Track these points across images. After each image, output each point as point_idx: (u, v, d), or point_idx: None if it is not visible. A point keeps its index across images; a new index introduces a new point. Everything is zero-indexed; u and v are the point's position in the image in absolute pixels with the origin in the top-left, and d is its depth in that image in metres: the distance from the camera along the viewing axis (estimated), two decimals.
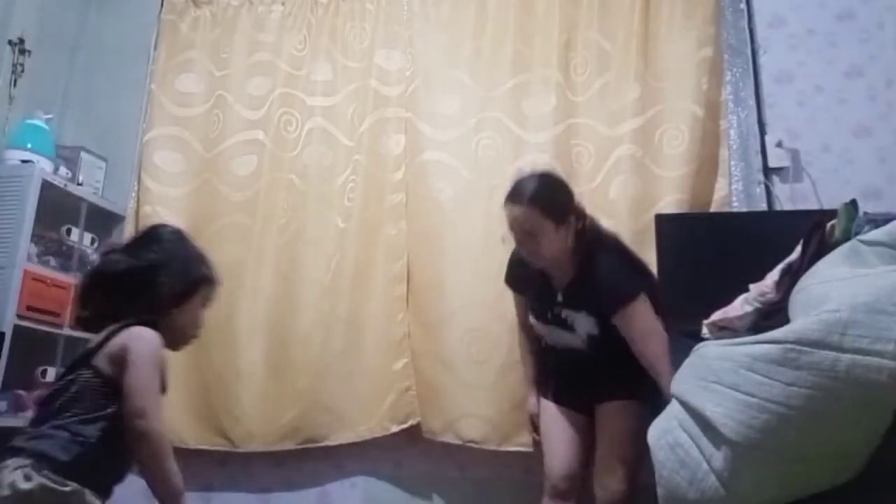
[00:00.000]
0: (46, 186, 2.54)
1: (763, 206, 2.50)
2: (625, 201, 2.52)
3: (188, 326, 1.55)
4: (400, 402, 2.54)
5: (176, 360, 2.60)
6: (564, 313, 2.08)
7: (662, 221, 2.35)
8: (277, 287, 2.68)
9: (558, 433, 2.15)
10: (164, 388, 1.47)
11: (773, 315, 1.35)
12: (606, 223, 2.50)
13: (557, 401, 2.19)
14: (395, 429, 2.52)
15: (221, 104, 2.89)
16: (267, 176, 2.79)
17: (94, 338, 1.50)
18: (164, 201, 2.81)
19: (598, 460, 2.07)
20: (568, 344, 2.10)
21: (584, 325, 2.06)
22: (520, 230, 1.98)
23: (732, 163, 2.54)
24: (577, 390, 2.16)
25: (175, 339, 1.53)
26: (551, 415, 2.19)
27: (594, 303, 2.01)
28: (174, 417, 2.57)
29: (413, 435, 2.52)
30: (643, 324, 1.95)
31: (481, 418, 2.43)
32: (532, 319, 2.18)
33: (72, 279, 2.64)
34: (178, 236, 1.65)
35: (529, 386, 2.31)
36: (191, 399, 2.61)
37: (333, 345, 2.59)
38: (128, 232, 2.81)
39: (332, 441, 2.56)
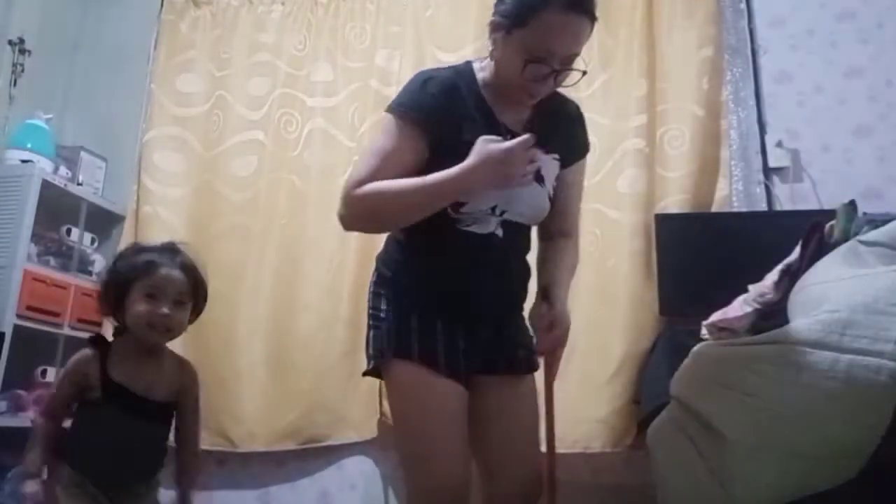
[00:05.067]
0: (46, 186, 2.55)
1: (763, 206, 2.50)
2: (630, 196, 2.54)
3: (135, 323, 1.61)
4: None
5: None
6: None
7: (662, 221, 2.35)
8: (278, 287, 2.68)
9: (452, 417, 1.44)
10: (94, 394, 1.61)
11: (772, 316, 1.35)
12: (613, 216, 2.52)
13: (449, 360, 1.45)
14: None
15: (221, 104, 2.89)
16: (267, 176, 2.79)
17: None
18: (164, 202, 2.81)
19: (511, 452, 1.51)
20: (526, 209, 1.52)
21: (551, 171, 1.55)
22: (573, 42, 1.40)
23: (733, 163, 2.55)
24: (484, 333, 1.52)
25: (139, 335, 1.64)
26: (434, 387, 1.44)
27: (565, 145, 1.58)
28: None
29: None
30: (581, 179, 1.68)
31: None
32: None
33: (72, 279, 2.65)
34: (128, 248, 1.85)
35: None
36: None
37: (335, 345, 2.59)
38: (127, 232, 2.81)
39: (334, 441, 2.56)
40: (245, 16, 3.00)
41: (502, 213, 1.49)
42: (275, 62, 2.91)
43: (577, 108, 1.65)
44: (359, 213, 1.51)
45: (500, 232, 1.50)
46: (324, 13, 2.95)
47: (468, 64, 1.57)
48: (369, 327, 1.55)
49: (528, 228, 1.60)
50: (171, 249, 1.71)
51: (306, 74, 2.88)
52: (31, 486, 1.54)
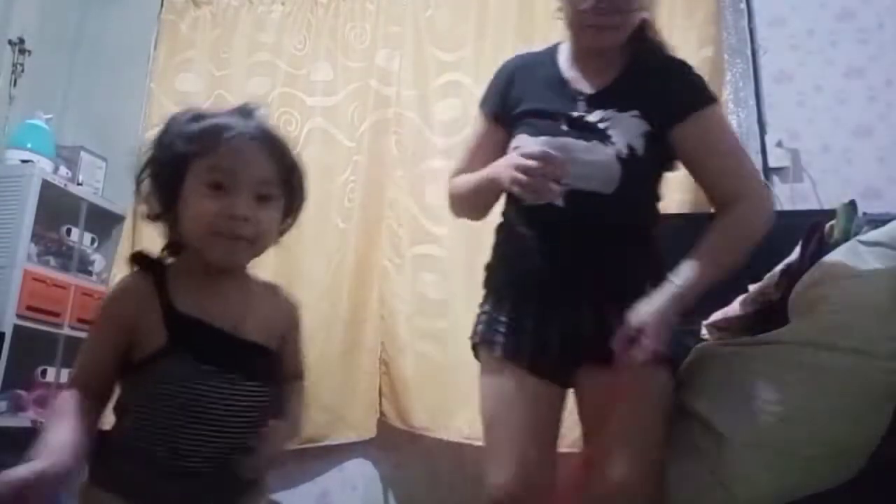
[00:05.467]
0: (46, 186, 2.55)
1: None
2: None
3: (195, 230, 1.03)
4: (399, 401, 2.54)
5: None
6: (598, 115, 1.40)
7: (662, 221, 2.34)
8: None
9: (517, 419, 1.38)
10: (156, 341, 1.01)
11: (772, 316, 1.35)
12: None
13: (533, 356, 1.37)
14: (398, 425, 2.52)
15: (221, 103, 2.89)
16: None
17: None
18: None
19: (609, 452, 1.33)
20: (587, 171, 1.35)
21: (627, 129, 1.38)
22: None
23: None
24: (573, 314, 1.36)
25: (204, 249, 1.05)
26: (504, 386, 1.40)
27: (655, 101, 1.40)
28: None
29: (413, 435, 2.52)
30: (730, 135, 1.47)
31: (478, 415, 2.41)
32: (525, 139, 1.41)
33: (72, 279, 2.65)
34: (182, 113, 1.10)
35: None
36: None
37: (334, 345, 2.58)
38: (127, 231, 2.81)
39: (332, 441, 2.55)
40: (245, 16, 3.00)
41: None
42: (274, 62, 2.91)
43: (682, 63, 1.51)
44: (450, 201, 1.59)
45: (560, 202, 1.34)
46: (324, 13, 2.95)
47: (556, 44, 1.57)
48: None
49: (618, 200, 1.36)
50: (245, 112, 1.09)
51: (306, 74, 2.88)
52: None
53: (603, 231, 1.37)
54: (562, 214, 1.36)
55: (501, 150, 1.45)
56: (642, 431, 1.33)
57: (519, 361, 1.38)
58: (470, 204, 1.55)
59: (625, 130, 1.39)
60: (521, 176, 1.28)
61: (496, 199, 1.49)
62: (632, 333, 1.26)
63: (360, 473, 2.59)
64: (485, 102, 1.56)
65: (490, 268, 1.52)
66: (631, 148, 1.37)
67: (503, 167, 1.35)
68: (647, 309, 1.28)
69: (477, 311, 1.51)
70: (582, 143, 1.37)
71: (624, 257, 1.37)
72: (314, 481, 2.60)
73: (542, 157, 1.27)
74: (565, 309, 1.36)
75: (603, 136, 1.38)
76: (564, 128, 1.40)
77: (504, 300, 1.44)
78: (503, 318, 1.41)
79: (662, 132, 1.39)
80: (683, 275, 1.30)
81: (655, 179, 1.46)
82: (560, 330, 1.36)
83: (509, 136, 1.47)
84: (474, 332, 1.49)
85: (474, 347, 1.50)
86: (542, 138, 1.38)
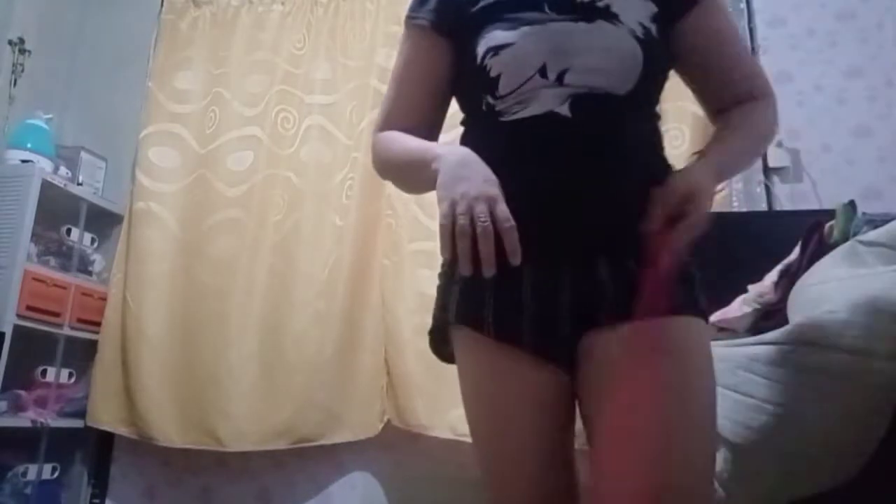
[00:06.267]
0: (46, 186, 2.54)
1: (763, 206, 2.50)
2: None
3: None
4: (394, 399, 2.53)
5: (166, 355, 2.63)
6: None
7: None
8: (272, 284, 2.67)
9: (530, 417, 1.04)
10: None
11: (771, 316, 1.35)
12: None
13: (537, 331, 1.02)
14: (396, 424, 2.51)
15: (218, 101, 2.89)
16: (262, 172, 2.78)
17: None
18: (157, 197, 2.81)
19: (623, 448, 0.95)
20: (598, 60, 1.05)
21: (634, 8, 1.10)
22: None
23: None
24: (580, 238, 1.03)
25: None
26: (502, 374, 1.05)
27: None
28: (160, 414, 2.58)
29: (413, 434, 2.51)
30: (731, 20, 1.25)
31: None
32: (500, 35, 1.08)
33: (72, 279, 2.65)
34: None
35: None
36: (179, 396, 2.60)
37: (329, 343, 2.58)
38: (124, 230, 2.82)
39: (327, 440, 2.53)
40: (245, 15, 3.00)
41: (561, 74, 1.03)
42: (273, 60, 2.91)
43: None
44: (374, 160, 1.25)
45: (565, 110, 1.03)
46: (323, 13, 2.95)
47: None
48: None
49: (630, 102, 1.06)
50: None
51: (305, 72, 2.88)
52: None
53: (619, 150, 1.04)
54: (567, 128, 1.03)
55: (446, 71, 1.16)
56: (694, 404, 0.96)
57: (518, 340, 1.03)
58: (401, 180, 1.22)
59: (631, 8, 1.09)
60: (464, 225, 0.93)
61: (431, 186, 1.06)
62: (675, 204, 0.97)
63: (359, 473, 2.58)
64: (418, 9, 1.19)
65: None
66: (644, 28, 1.08)
67: (453, 180, 0.98)
68: (690, 175, 1.02)
69: (437, 281, 1.16)
70: (582, 24, 1.05)
71: (646, 186, 1.02)
72: (314, 481, 2.60)
73: (505, 231, 0.93)
74: (573, 261, 1.02)
75: (608, 15, 1.07)
76: (552, 14, 1.07)
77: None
78: (488, 285, 0.99)
79: (669, 22, 1.12)
80: (716, 153, 1.08)
81: (664, 82, 1.15)
82: (571, 287, 1.01)
83: (461, 47, 1.13)
84: (443, 310, 1.12)
85: (439, 331, 1.14)
86: (524, 28, 1.05)
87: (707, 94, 1.21)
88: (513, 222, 0.93)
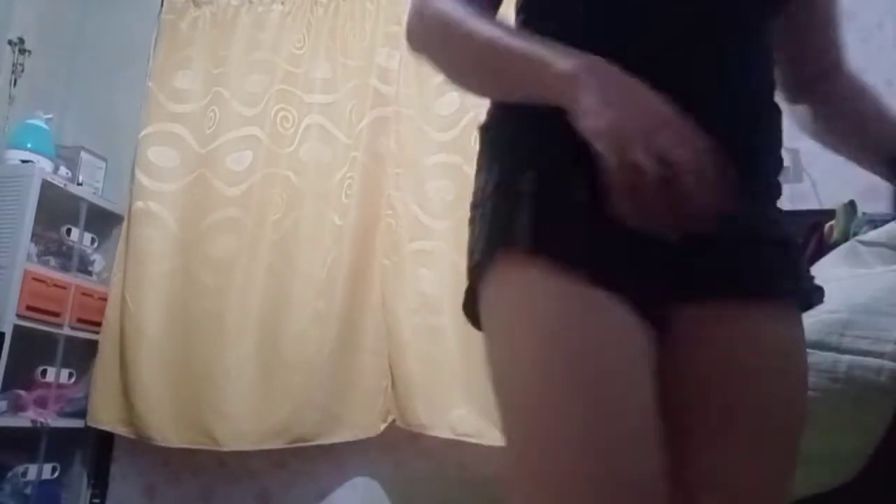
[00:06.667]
0: (46, 186, 2.54)
1: None
2: None
3: None
4: (395, 399, 2.53)
5: (165, 355, 2.63)
6: None
7: None
8: (270, 283, 2.67)
9: (632, 386, 0.73)
10: None
11: None
12: None
13: (639, 270, 0.76)
14: (399, 424, 2.51)
15: (218, 100, 2.89)
16: (262, 171, 2.78)
17: None
18: (156, 197, 2.81)
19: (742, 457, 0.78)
20: None
21: None
22: None
23: None
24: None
25: None
26: (590, 318, 0.74)
27: None
28: (158, 414, 2.58)
29: (413, 434, 2.52)
30: None
31: (476, 411, 2.40)
32: None
33: (72, 279, 2.65)
34: None
35: None
36: (178, 395, 2.60)
37: (328, 342, 2.57)
38: (125, 231, 2.82)
39: (324, 440, 2.53)
40: (245, 16, 3.00)
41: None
42: (273, 59, 2.91)
43: None
44: (418, 28, 0.93)
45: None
46: (323, 13, 2.94)
47: None
48: (470, 226, 0.87)
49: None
50: None
51: (304, 72, 2.87)
52: None
53: (749, 53, 0.89)
54: (679, 15, 0.81)
55: None
56: (796, 425, 0.81)
57: (617, 282, 0.74)
58: (467, 65, 0.89)
59: None
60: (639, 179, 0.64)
61: (527, 99, 0.77)
62: None
63: (360, 473, 2.59)
64: None
65: (526, 118, 0.80)
66: None
67: (608, 108, 0.67)
68: None
69: (489, 189, 0.83)
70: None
71: (771, 94, 0.87)
72: (314, 481, 2.60)
73: (698, 170, 0.66)
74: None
75: None
76: None
77: (572, 165, 0.74)
78: (579, 195, 0.74)
79: None
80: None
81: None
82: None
83: None
84: (510, 226, 0.77)
85: (484, 263, 0.80)
86: None
87: (807, 51, 1.04)
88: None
